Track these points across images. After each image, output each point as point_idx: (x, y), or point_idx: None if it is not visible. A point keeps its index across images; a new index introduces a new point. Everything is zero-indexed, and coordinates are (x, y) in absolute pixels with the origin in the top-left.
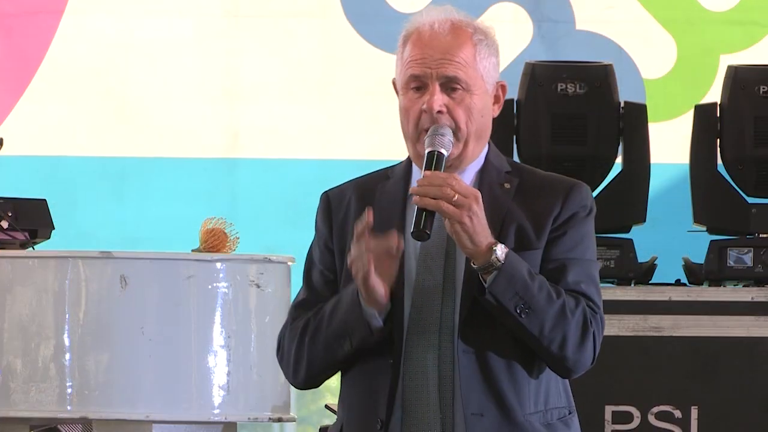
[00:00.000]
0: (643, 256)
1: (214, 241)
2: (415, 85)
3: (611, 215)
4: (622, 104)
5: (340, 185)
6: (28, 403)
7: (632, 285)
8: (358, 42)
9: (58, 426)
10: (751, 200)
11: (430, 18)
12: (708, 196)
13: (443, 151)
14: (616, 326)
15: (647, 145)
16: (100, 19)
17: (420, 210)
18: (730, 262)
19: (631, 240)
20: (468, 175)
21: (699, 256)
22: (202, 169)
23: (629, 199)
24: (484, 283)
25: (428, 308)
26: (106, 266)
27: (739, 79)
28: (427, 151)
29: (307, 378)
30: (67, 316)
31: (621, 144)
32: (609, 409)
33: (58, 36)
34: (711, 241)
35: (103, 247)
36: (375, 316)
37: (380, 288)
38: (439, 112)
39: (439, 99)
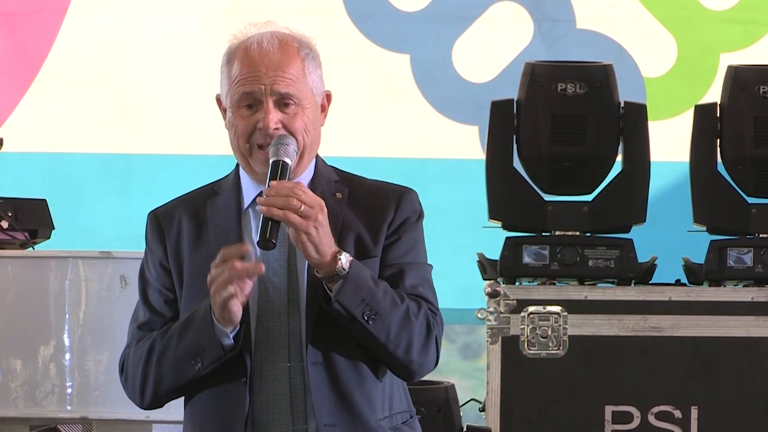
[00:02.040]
0: (643, 256)
1: None
2: (247, 102)
3: (611, 215)
4: (622, 104)
5: (165, 204)
6: (28, 403)
7: (632, 285)
8: (360, 40)
9: (58, 426)
10: (751, 200)
11: (256, 35)
12: (708, 196)
13: (288, 160)
14: (616, 326)
15: (647, 145)
16: (103, 17)
17: (266, 219)
18: (730, 262)
19: (631, 240)
20: None
21: (699, 256)
22: (206, 165)
23: (629, 199)
24: (329, 292)
25: (275, 322)
26: (106, 266)
27: (739, 79)
28: (271, 161)
29: (153, 399)
30: (67, 316)
31: (621, 144)
32: (609, 409)
33: (62, 33)
34: (711, 241)
35: (107, 243)
36: (227, 335)
37: (238, 309)
38: (276, 129)
39: (274, 117)
